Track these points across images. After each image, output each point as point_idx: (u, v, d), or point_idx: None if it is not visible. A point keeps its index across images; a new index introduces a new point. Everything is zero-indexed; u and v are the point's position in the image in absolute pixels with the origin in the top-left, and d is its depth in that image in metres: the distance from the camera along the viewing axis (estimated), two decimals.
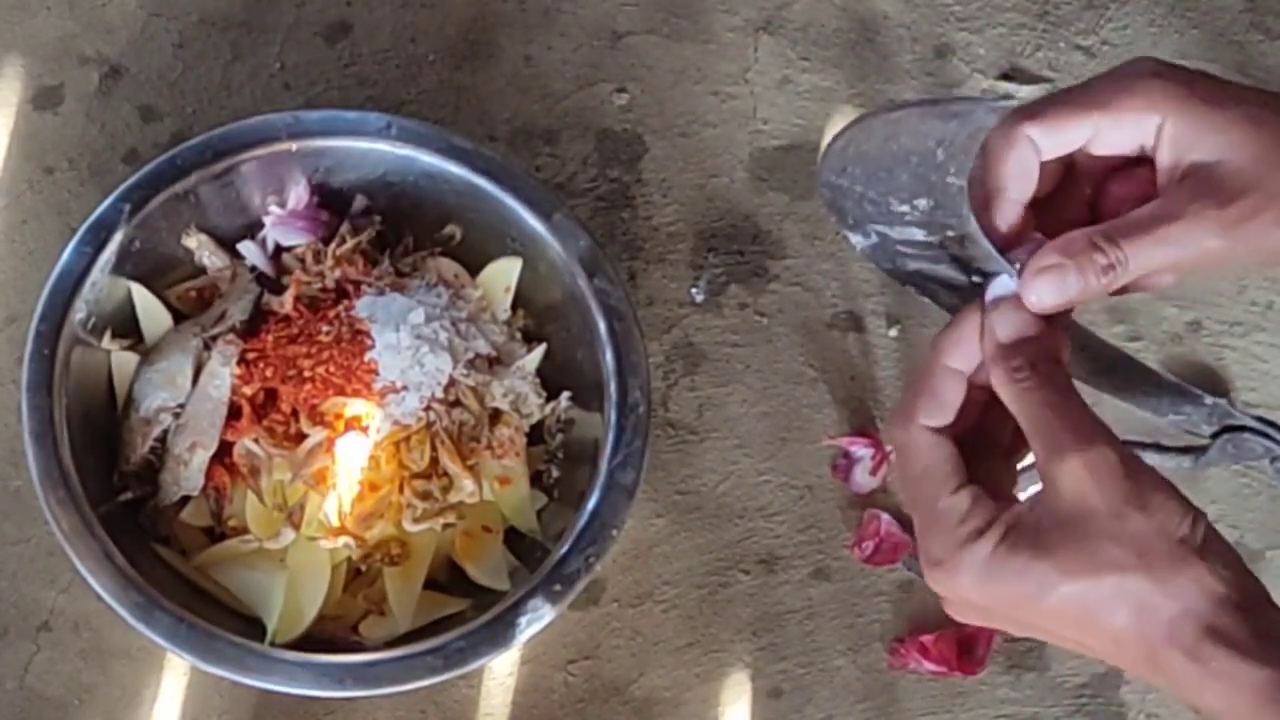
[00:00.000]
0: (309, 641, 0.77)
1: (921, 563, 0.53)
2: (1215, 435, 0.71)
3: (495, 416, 0.82)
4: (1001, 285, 0.55)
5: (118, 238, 0.80)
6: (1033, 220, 0.56)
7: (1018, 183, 0.55)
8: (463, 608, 0.79)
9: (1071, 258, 0.53)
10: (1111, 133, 0.55)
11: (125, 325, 0.82)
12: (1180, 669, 0.49)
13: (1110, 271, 0.53)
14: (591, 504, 0.78)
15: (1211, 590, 0.49)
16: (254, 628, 0.78)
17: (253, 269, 0.85)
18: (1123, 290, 0.56)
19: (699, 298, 0.93)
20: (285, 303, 0.82)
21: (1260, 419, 0.90)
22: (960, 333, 0.55)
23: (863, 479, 0.89)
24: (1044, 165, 0.55)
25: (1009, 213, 0.55)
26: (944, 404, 0.55)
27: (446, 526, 0.80)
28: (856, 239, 0.63)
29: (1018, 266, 0.54)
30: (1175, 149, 0.54)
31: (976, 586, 0.51)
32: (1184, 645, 0.48)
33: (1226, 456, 0.79)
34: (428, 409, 0.79)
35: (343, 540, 0.78)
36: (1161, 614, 0.49)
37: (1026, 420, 0.53)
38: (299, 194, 0.85)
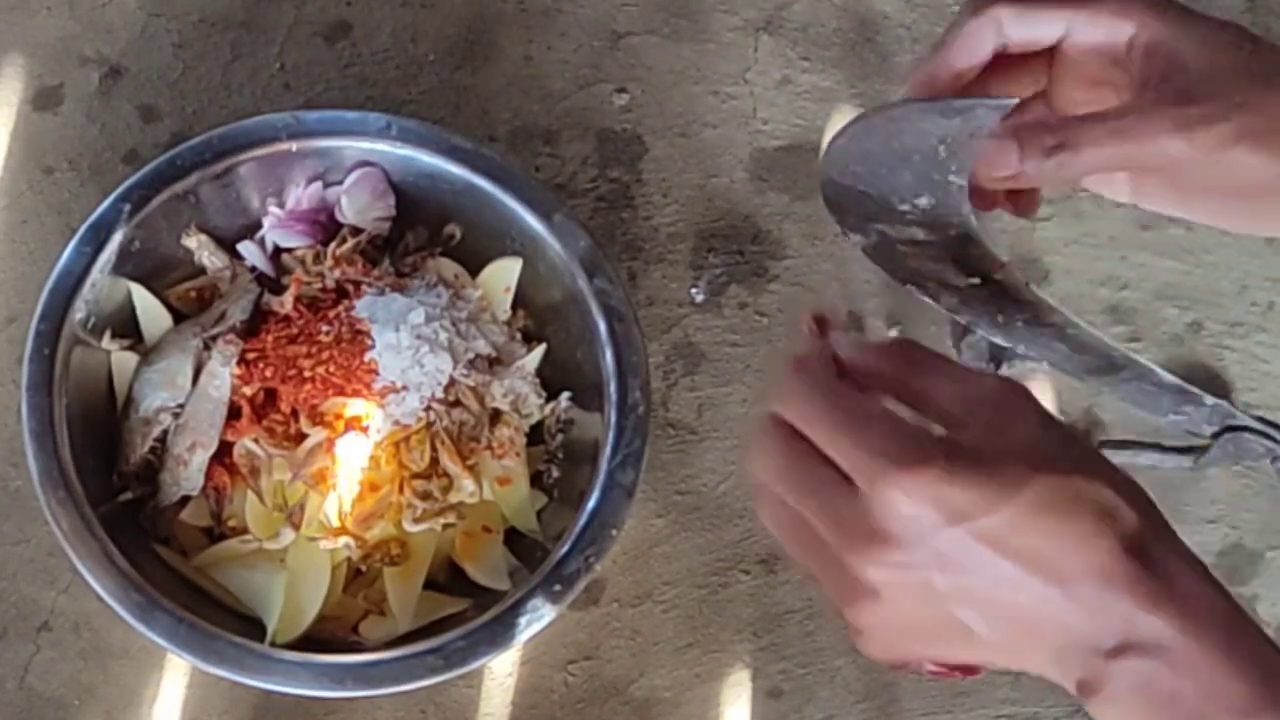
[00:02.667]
0: (309, 641, 0.77)
1: (864, 475, 0.48)
2: (1216, 435, 0.71)
3: (495, 416, 0.82)
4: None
5: (118, 238, 0.80)
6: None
7: (961, 49, 0.56)
8: (463, 608, 0.79)
9: (1019, 132, 0.53)
10: (1085, 30, 0.55)
11: (125, 325, 0.82)
12: (1138, 584, 0.47)
13: (1057, 153, 0.53)
14: (591, 504, 0.78)
15: (1156, 509, 0.49)
16: (254, 628, 0.78)
17: (253, 269, 0.86)
18: (1086, 191, 0.56)
19: (699, 298, 0.93)
20: (285, 303, 0.82)
21: (1261, 419, 0.90)
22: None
23: None
24: (1027, 62, 0.56)
25: (937, 67, 0.56)
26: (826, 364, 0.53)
27: (446, 526, 0.80)
28: (857, 238, 0.63)
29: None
30: (1147, 58, 0.54)
31: (936, 487, 0.47)
32: (1145, 557, 0.47)
33: (1227, 456, 0.79)
34: (428, 409, 0.79)
35: (343, 540, 0.78)
36: (1126, 521, 0.47)
37: (918, 377, 0.51)
38: (299, 195, 0.85)
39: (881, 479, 0.47)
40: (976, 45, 0.56)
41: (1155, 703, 0.47)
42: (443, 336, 0.80)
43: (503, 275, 0.85)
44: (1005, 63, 0.58)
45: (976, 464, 0.47)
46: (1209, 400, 0.68)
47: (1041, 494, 0.47)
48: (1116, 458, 0.59)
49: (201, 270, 0.85)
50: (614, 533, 0.77)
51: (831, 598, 0.50)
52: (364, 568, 0.80)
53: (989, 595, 0.48)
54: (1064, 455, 0.48)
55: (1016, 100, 0.52)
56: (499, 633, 0.75)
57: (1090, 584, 0.47)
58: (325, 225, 0.86)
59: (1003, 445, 0.48)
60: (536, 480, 0.84)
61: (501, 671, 0.85)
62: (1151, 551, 0.47)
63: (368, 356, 0.79)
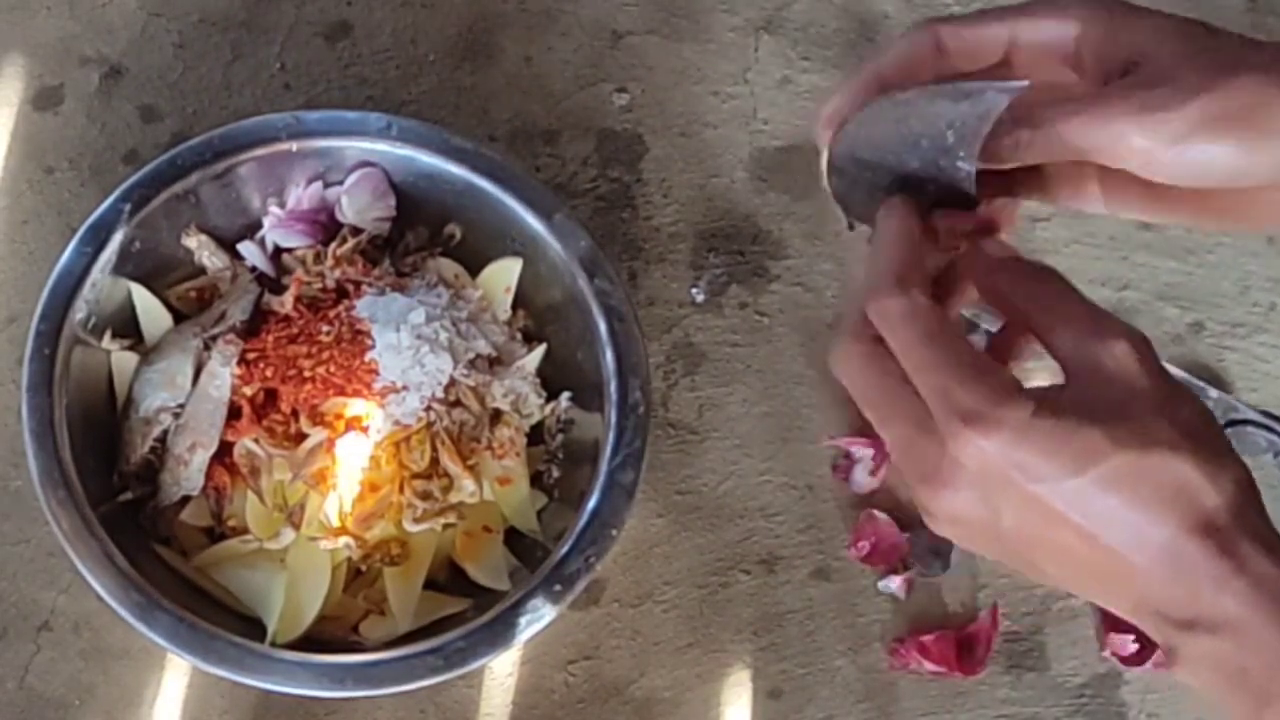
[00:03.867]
0: (309, 641, 0.77)
1: (942, 419, 0.49)
2: None
3: (495, 417, 0.82)
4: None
5: (118, 238, 0.80)
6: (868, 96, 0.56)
7: (894, 58, 0.56)
8: (463, 608, 0.79)
9: None
10: (1028, 33, 0.55)
11: (125, 325, 0.82)
12: (1206, 563, 0.47)
13: (1017, 129, 0.52)
14: (591, 504, 0.78)
15: (1250, 489, 0.48)
16: (254, 628, 0.78)
17: (253, 269, 0.86)
18: (1051, 195, 0.57)
19: (699, 298, 0.93)
20: (285, 303, 0.82)
21: (1264, 412, 0.90)
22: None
23: (863, 479, 0.89)
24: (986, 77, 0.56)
25: (864, 74, 0.56)
26: (925, 278, 0.53)
27: (447, 526, 0.80)
28: (863, 229, 0.62)
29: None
30: (1099, 55, 0.54)
31: (1010, 447, 0.47)
32: (1219, 537, 0.47)
33: None
34: (428, 409, 0.79)
35: (343, 540, 0.78)
36: (1204, 500, 0.47)
37: (1046, 312, 0.51)
38: (299, 195, 0.85)
39: (957, 427, 0.48)
40: (912, 54, 0.56)
41: (1225, 676, 0.48)
42: (443, 336, 0.80)
43: (503, 275, 0.85)
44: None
45: (1058, 426, 0.47)
46: (1213, 393, 0.68)
47: (1114, 471, 0.47)
48: None
49: (201, 270, 0.85)
50: (614, 533, 0.77)
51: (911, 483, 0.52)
52: (364, 568, 0.80)
53: (1057, 548, 0.49)
54: (1158, 425, 0.48)
55: (1029, 83, 0.52)
56: (499, 633, 0.75)
57: (1157, 560, 0.47)
58: (325, 225, 0.86)
59: (1101, 406, 0.48)
60: (537, 480, 0.84)
61: (501, 671, 0.85)
62: (1225, 532, 0.47)
63: (368, 356, 0.79)
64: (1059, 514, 0.48)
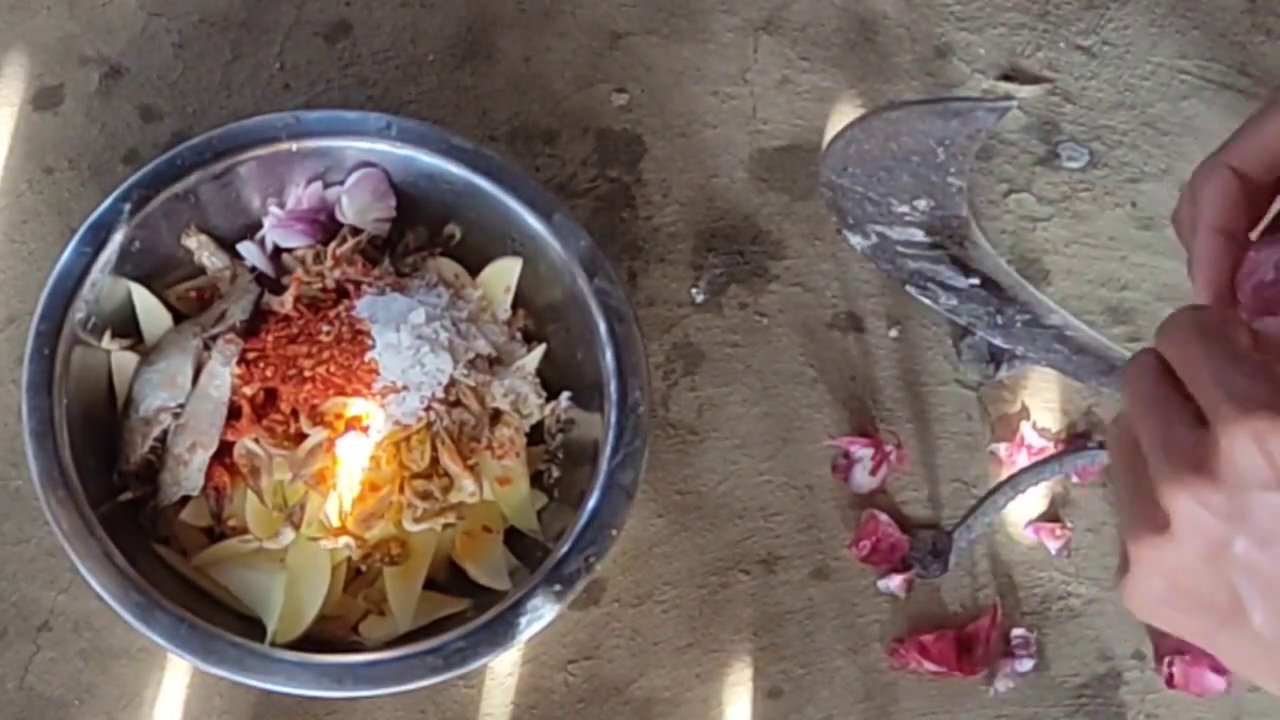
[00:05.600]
0: (309, 641, 0.77)
1: (1218, 408, 0.44)
2: None
3: (495, 416, 0.83)
4: None
5: (118, 238, 0.80)
6: (1233, 254, 0.53)
7: (1214, 208, 0.52)
8: (463, 608, 0.79)
9: None
10: None
11: (125, 325, 0.82)
12: None
13: None
14: (591, 504, 0.78)
15: None
16: (254, 628, 0.78)
17: (253, 269, 0.86)
18: None
19: (699, 298, 0.93)
20: (285, 303, 0.82)
21: None
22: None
23: (863, 479, 0.89)
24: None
25: (1207, 242, 0.53)
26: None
27: (447, 526, 0.80)
28: (856, 239, 0.63)
29: None
30: None
31: None
32: None
33: None
34: (428, 409, 0.79)
35: (343, 540, 0.78)
36: None
37: None
38: (299, 195, 0.85)
39: (1236, 417, 0.43)
40: (1227, 197, 0.53)
41: None
42: (443, 336, 0.80)
43: (503, 275, 0.85)
44: None
45: None
46: None
47: None
48: None
49: (201, 270, 0.85)
50: (614, 533, 0.77)
51: (1123, 522, 0.47)
52: (364, 568, 0.80)
53: None
54: None
55: (1016, 102, 0.51)
56: (499, 633, 0.75)
57: None
58: (325, 225, 0.86)
59: None
60: (536, 480, 0.84)
61: (501, 671, 0.85)
62: None
63: (368, 356, 0.79)
64: None
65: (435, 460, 0.80)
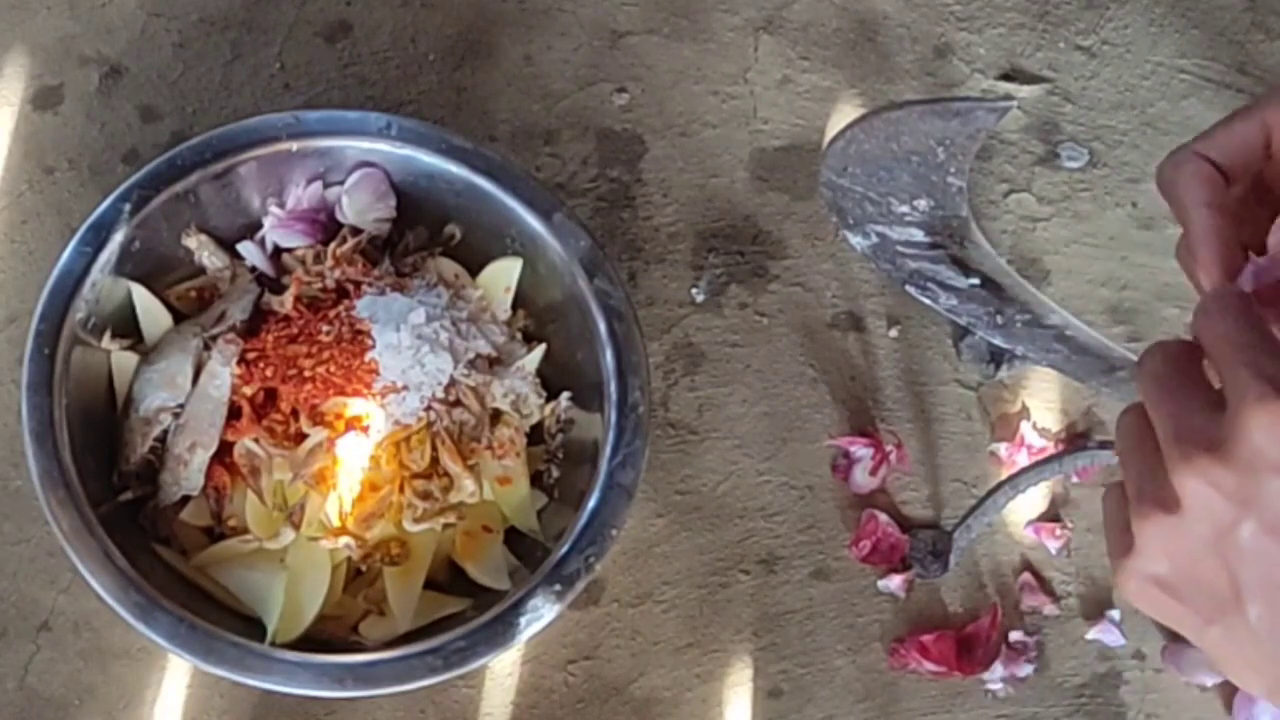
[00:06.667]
0: (309, 641, 0.77)
1: (1238, 388, 0.44)
2: None
3: (495, 416, 0.83)
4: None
5: (118, 238, 0.80)
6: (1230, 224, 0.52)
7: (1195, 187, 0.52)
8: (463, 608, 0.79)
9: None
10: None
11: (125, 325, 0.82)
12: None
13: None
14: (591, 504, 0.78)
15: None
16: (254, 628, 0.78)
17: (253, 269, 0.86)
18: None
19: (699, 298, 0.93)
20: (285, 303, 0.82)
21: None
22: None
23: (863, 479, 0.89)
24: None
25: (1199, 217, 0.52)
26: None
27: (447, 526, 0.80)
28: (856, 239, 0.63)
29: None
30: None
31: None
32: None
33: None
34: (428, 409, 0.79)
35: (343, 540, 0.78)
36: None
37: None
38: (299, 195, 0.85)
39: (1255, 397, 0.43)
40: (1208, 178, 0.53)
41: None
42: (443, 336, 0.80)
43: (503, 275, 0.85)
44: None
45: None
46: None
47: None
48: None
49: (201, 270, 0.85)
50: (614, 533, 0.77)
51: (1131, 501, 0.46)
52: (364, 568, 0.80)
53: None
54: None
55: (1016, 102, 0.52)
56: (499, 633, 0.75)
57: None
58: (325, 225, 0.86)
59: None
60: (536, 480, 0.84)
61: (501, 671, 0.85)
62: None
63: (368, 356, 0.79)
64: None
65: (435, 460, 0.80)
